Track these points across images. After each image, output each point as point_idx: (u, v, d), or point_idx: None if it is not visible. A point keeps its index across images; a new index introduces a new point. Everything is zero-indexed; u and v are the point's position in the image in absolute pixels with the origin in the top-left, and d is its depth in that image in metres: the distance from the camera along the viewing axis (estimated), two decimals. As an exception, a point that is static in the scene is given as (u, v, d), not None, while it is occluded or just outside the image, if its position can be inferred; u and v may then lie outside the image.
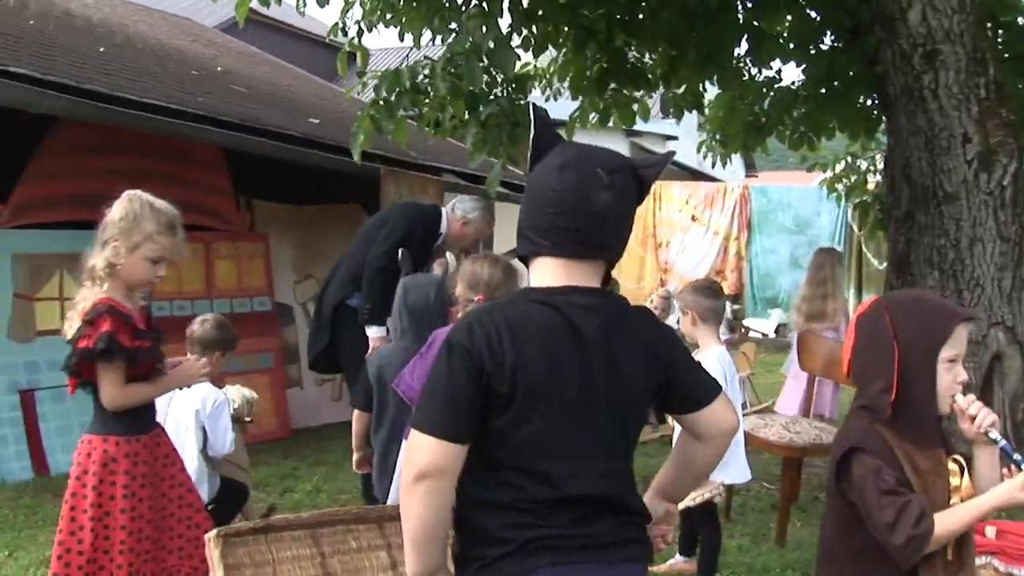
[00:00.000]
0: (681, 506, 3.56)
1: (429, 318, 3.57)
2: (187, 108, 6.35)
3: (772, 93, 7.08)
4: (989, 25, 5.83)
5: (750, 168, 22.85)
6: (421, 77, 4.97)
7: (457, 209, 5.33)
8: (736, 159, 22.75)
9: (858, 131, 7.30)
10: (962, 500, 2.14)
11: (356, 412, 3.70)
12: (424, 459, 1.72)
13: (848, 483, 2.17)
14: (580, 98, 6.70)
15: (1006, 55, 6.35)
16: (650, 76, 6.84)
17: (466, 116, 5.44)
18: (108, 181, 6.42)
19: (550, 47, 6.29)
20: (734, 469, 3.85)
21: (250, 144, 6.62)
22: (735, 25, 6.03)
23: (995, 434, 2.13)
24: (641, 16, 6.28)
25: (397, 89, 5.03)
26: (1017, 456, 2.10)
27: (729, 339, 8.64)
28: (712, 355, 3.80)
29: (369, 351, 5.09)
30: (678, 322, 4.25)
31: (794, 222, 12.93)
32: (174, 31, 11.67)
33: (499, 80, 5.81)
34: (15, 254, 6.14)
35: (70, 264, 6.10)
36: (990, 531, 3.69)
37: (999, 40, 6.40)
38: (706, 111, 7.81)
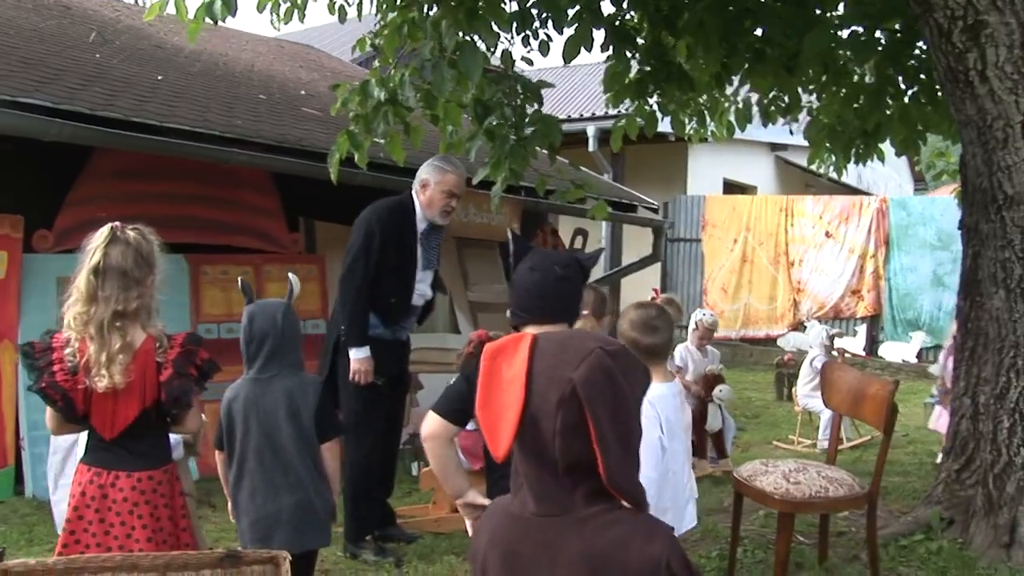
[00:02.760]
0: None
1: (280, 342, 3.22)
2: (213, 131, 6.21)
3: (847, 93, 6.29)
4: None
5: (919, 182, 21.13)
6: (392, 87, 4.57)
7: (415, 183, 4.83)
8: (904, 171, 21.27)
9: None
10: None
11: (217, 454, 3.32)
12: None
13: None
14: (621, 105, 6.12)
15: None
16: (708, 78, 6.23)
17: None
18: (156, 204, 6.54)
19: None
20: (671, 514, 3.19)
21: (280, 164, 6.48)
22: (777, 15, 5.34)
23: None
24: (686, 14, 5.67)
25: (373, 102, 4.66)
26: None
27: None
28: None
29: (351, 374, 4.73)
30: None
31: (937, 237, 11.70)
32: (282, 59, 11.78)
33: (518, 90, 5.38)
34: (60, 278, 6.10)
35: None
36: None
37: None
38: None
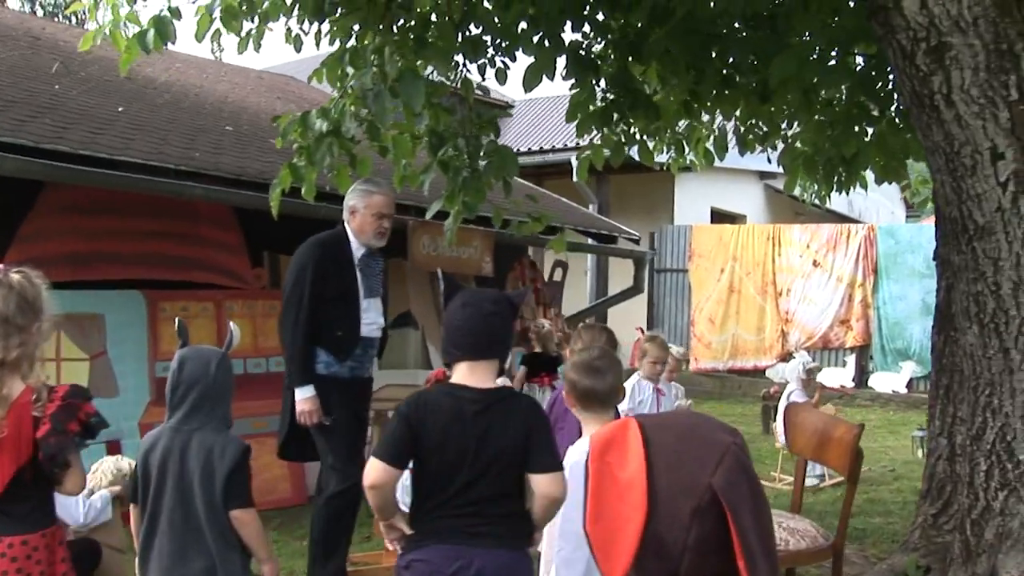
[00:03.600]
0: None
1: (208, 391, 3.00)
2: (168, 164, 6.02)
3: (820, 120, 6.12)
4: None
5: (911, 208, 20.98)
6: (334, 117, 4.38)
7: (344, 211, 4.67)
8: (895, 198, 21.10)
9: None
10: None
11: (132, 507, 3.08)
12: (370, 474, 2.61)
13: None
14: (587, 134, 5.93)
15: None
16: (677, 107, 6.05)
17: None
18: (111, 240, 6.33)
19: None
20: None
21: (236, 198, 6.30)
22: (746, 41, 5.16)
23: None
24: (652, 40, 5.49)
25: (315, 135, 4.48)
26: None
27: (804, 401, 7.54)
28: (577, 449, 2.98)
29: (297, 415, 4.49)
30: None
31: (926, 265, 11.47)
32: (259, 91, 11.63)
33: (473, 119, 5.20)
34: (6, 316, 5.93)
35: (68, 325, 5.98)
36: None
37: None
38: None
